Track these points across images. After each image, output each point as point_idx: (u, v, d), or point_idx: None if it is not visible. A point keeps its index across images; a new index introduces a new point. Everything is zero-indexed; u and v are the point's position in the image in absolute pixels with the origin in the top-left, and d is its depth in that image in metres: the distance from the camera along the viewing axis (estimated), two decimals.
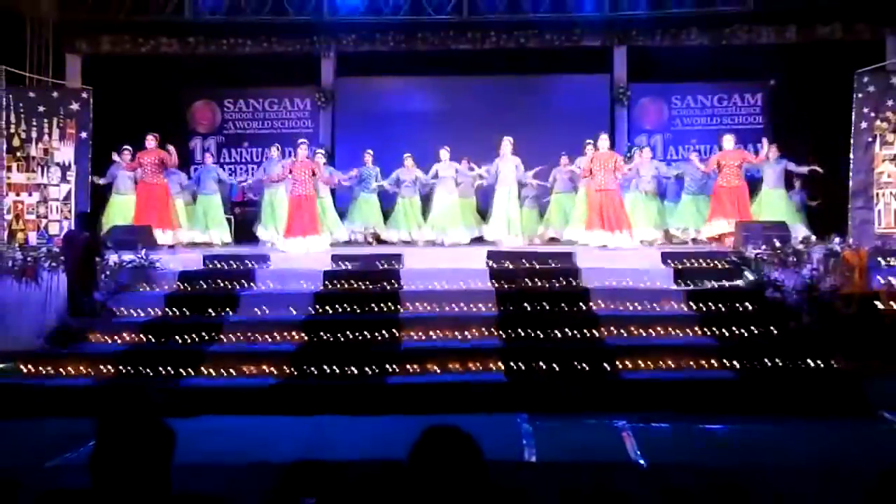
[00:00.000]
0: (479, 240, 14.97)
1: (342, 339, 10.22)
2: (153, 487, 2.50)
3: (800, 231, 14.33)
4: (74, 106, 14.85)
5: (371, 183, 15.55)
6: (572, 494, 5.96)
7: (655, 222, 14.99)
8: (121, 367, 9.69)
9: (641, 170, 15.03)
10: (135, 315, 11.02)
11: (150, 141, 14.65)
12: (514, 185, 14.64)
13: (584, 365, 9.47)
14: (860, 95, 14.20)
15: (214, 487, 5.64)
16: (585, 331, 10.25)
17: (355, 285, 11.62)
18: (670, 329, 10.31)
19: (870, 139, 14.11)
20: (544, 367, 9.47)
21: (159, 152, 14.66)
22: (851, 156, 14.26)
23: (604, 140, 13.93)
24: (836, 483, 6.11)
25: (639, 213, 14.74)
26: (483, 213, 15.46)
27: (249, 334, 10.37)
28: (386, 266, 12.30)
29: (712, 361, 9.54)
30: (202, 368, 9.61)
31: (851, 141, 14.26)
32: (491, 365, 9.53)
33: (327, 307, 10.97)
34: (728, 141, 14.50)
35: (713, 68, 17.26)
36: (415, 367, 9.53)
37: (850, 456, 7.18)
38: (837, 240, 12.62)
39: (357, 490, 2.75)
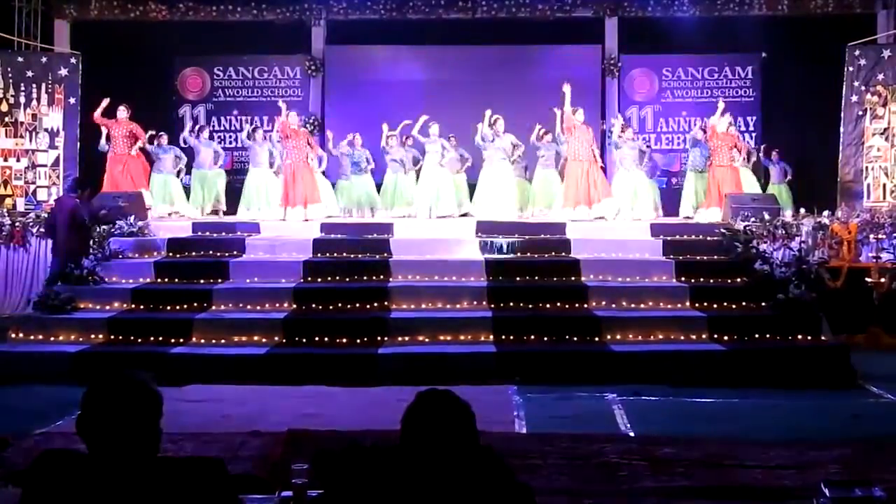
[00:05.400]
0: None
1: (332, 308, 10.24)
2: (141, 449, 2.50)
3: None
4: (63, 71, 14.78)
5: (363, 164, 15.42)
6: (562, 465, 6.00)
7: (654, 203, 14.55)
8: (111, 335, 9.68)
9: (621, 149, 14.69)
10: (124, 282, 10.97)
11: (122, 111, 14.15)
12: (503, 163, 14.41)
13: (574, 337, 9.54)
14: (851, 69, 14.24)
15: (206, 454, 5.64)
16: (576, 303, 10.31)
17: (346, 255, 11.61)
18: (660, 302, 10.37)
19: (860, 113, 14.16)
20: (534, 338, 9.53)
21: (130, 124, 14.21)
22: (841, 129, 14.30)
23: (580, 114, 13.75)
24: (821, 455, 6.16)
25: (638, 192, 14.34)
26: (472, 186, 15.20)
27: (240, 303, 10.38)
28: (376, 236, 12.30)
29: (701, 334, 9.61)
30: (192, 337, 9.62)
31: (842, 114, 14.29)
32: (481, 336, 9.57)
33: (318, 277, 10.97)
34: (722, 119, 14.11)
35: (704, 40, 17.14)
36: (405, 337, 9.56)
37: (835, 428, 7.23)
38: (826, 213, 12.69)
39: (348, 456, 2.76)
